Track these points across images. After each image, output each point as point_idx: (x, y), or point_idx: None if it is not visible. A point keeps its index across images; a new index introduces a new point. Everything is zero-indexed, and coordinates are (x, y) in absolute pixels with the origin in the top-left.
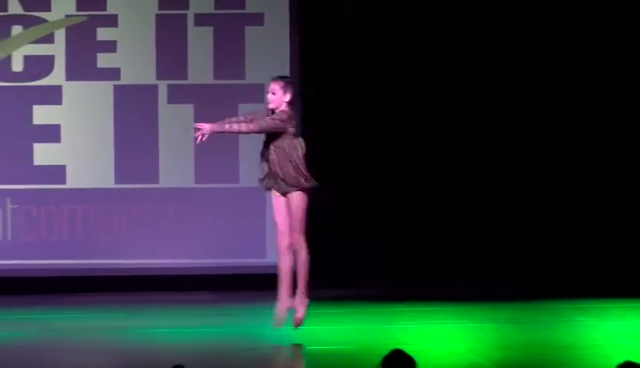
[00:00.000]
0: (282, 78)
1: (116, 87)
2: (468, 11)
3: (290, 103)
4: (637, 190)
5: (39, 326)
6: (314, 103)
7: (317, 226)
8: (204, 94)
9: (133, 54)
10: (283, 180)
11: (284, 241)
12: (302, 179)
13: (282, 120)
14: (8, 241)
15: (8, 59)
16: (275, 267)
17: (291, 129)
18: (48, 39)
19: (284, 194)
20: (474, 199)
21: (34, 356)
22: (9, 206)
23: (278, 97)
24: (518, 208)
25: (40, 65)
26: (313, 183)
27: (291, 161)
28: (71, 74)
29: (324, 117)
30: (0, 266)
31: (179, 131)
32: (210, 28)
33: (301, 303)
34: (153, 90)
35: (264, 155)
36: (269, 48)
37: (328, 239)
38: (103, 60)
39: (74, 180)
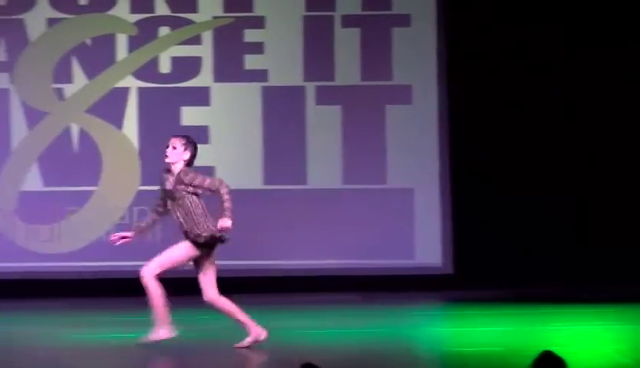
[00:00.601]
0: (183, 136)
1: (263, 88)
2: None
3: (188, 163)
4: None
5: (189, 327)
6: (462, 102)
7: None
8: (351, 95)
9: (280, 55)
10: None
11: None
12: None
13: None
14: (157, 242)
15: (156, 61)
16: (424, 268)
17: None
18: (196, 41)
19: None
20: (629, 200)
21: (188, 357)
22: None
23: (178, 153)
24: None
25: (187, 67)
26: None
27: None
28: (219, 76)
29: (471, 117)
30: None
31: (327, 132)
32: (357, 30)
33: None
34: (300, 91)
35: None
36: (416, 49)
37: (479, 239)
38: (251, 62)
39: None
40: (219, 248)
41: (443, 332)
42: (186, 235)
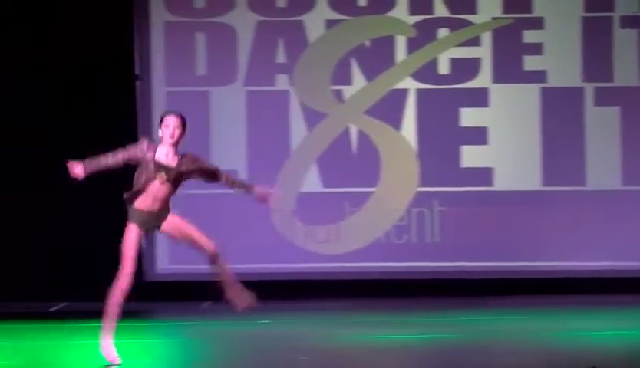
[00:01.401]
0: (182, 116)
1: (542, 89)
2: None
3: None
4: None
5: (462, 328)
6: None
7: None
8: (630, 97)
9: (559, 56)
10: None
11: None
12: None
13: None
14: (437, 243)
15: (435, 62)
16: None
17: None
18: (475, 42)
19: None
20: None
21: (458, 358)
22: (437, 208)
23: (180, 135)
24: None
25: (466, 68)
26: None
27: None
28: (498, 77)
29: None
30: (428, 268)
31: (606, 133)
32: (636, 31)
33: None
34: (579, 92)
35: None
36: None
37: None
38: (530, 63)
39: (501, 182)
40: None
41: None
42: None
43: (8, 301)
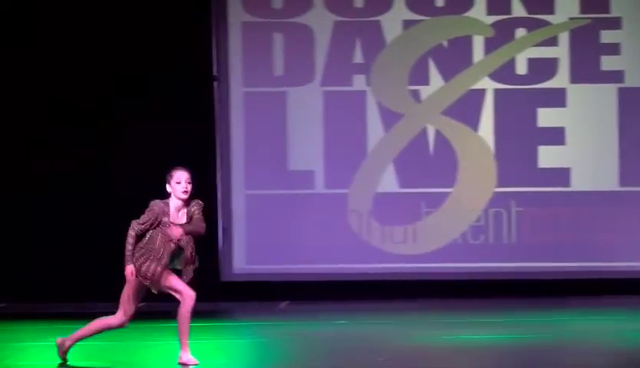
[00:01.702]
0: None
1: (620, 89)
2: None
3: None
4: None
5: (540, 328)
6: None
7: None
8: None
9: (636, 56)
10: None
11: None
12: None
13: None
14: (513, 244)
15: (513, 62)
16: None
17: None
18: (552, 42)
19: None
20: None
21: (537, 358)
22: (514, 209)
23: (191, 188)
24: None
25: (544, 68)
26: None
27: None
28: (575, 77)
29: None
30: (505, 269)
31: None
32: None
33: None
34: None
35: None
36: None
37: None
38: (607, 63)
39: (578, 183)
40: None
41: None
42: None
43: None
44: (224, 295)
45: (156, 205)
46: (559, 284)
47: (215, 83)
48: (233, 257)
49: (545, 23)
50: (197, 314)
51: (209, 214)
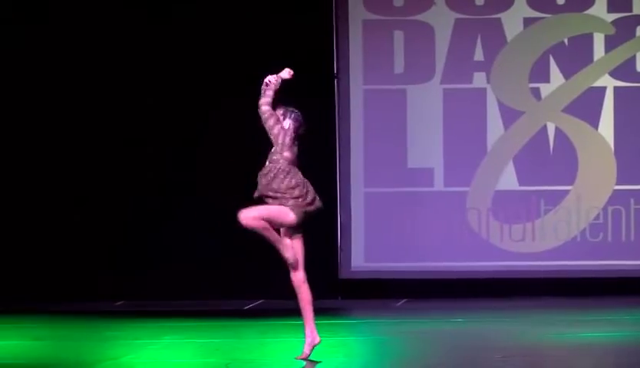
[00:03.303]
0: None
1: None
2: None
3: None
4: None
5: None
6: None
7: None
8: None
9: None
10: None
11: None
12: None
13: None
14: (632, 242)
15: (633, 60)
16: None
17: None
18: None
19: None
20: None
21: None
22: (633, 207)
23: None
24: None
25: None
26: None
27: None
28: None
29: None
30: (625, 266)
31: None
32: None
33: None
34: None
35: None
36: None
37: None
38: None
39: None
40: None
41: None
42: None
43: (206, 299)
44: (342, 292)
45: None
46: None
47: (336, 81)
48: (352, 254)
49: None
50: (316, 311)
51: (329, 211)
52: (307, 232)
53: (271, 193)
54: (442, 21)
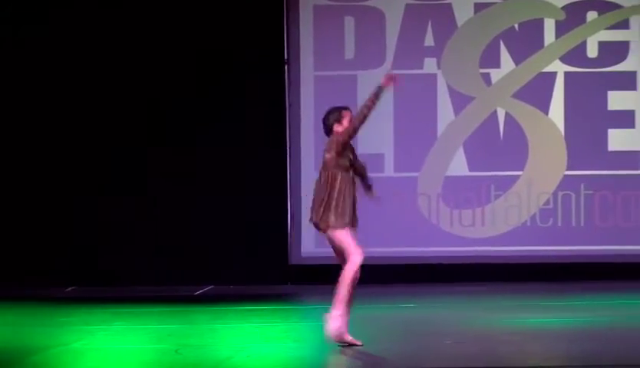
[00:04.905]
0: None
1: None
2: None
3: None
4: None
5: (617, 311)
6: None
7: None
8: None
9: None
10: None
11: None
12: None
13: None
14: (582, 227)
15: (584, 45)
16: None
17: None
18: (624, 25)
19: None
20: None
21: (612, 341)
22: (583, 192)
23: None
24: None
25: (615, 51)
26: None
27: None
28: None
29: None
30: (575, 252)
31: None
32: None
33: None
34: None
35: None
36: None
37: None
38: None
39: None
40: None
41: None
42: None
43: (157, 285)
44: (293, 278)
45: None
46: (628, 266)
47: (286, 67)
48: (302, 240)
49: (617, 6)
50: (266, 297)
51: (279, 197)
52: (257, 219)
53: None
54: (393, 6)
